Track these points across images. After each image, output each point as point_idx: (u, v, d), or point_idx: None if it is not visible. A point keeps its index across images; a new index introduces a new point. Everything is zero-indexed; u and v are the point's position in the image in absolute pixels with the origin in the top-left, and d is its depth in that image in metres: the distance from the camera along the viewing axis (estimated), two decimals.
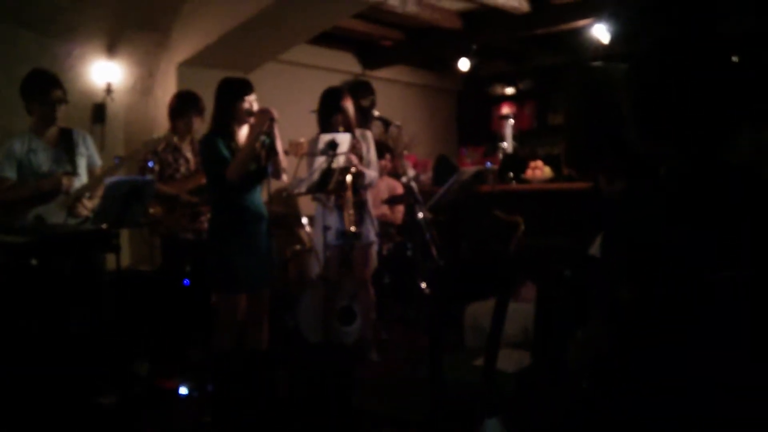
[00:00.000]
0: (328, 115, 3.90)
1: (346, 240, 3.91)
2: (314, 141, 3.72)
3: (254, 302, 3.26)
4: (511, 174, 5.78)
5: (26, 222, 3.34)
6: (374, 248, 4.18)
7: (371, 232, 4.07)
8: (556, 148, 6.97)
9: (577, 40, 6.11)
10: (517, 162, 5.96)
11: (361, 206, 4.02)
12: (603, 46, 5.79)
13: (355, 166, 3.81)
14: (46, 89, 3.43)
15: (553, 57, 7.06)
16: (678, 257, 1.61)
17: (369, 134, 4.11)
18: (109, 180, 3.17)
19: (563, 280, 2.36)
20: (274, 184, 3.25)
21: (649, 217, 1.74)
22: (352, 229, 3.82)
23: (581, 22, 5.61)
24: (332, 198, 3.91)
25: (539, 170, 5.62)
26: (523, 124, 7.57)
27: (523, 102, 7.83)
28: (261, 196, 3.31)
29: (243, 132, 3.23)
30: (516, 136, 6.61)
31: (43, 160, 3.46)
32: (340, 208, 3.92)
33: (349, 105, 3.94)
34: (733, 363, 1.44)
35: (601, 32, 5.59)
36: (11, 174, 3.41)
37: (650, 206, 1.77)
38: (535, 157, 6.28)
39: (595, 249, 2.36)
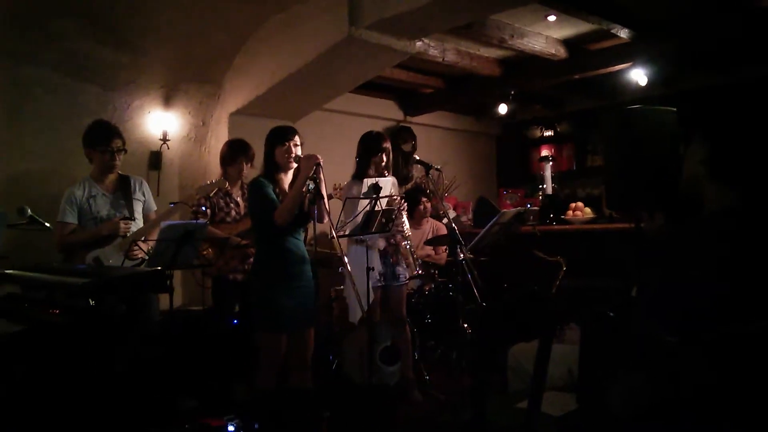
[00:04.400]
0: (367, 157, 4.02)
1: (387, 281, 4.01)
2: (350, 185, 3.85)
3: (298, 342, 3.31)
4: (552, 215, 5.79)
5: (86, 264, 3.48)
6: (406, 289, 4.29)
7: (406, 272, 4.18)
8: (596, 190, 6.96)
9: (615, 84, 6.15)
10: (557, 203, 5.97)
11: (396, 247, 4.14)
12: (640, 89, 5.83)
13: (400, 210, 3.93)
14: (106, 139, 3.61)
15: (590, 100, 7.10)
16: (733, 300, 1.60)
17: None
18: (165, 224, 3.28)
19: (607, 322, 2.36)
20: (319, 227, 3.34)
21: (701, 257, 1.74)
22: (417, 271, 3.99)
23: (618, 67, 5.65)
24: (380, 241, 4.00)
25: (580, 211, 5.62)
26: (562, 166, 7.59)
27: (561, 144, 7.85)
28: (302, 239, 3.41)
29: (288, 178, 3.36)
30: (555, 178, 6.62)
31: (102, 205, 3.61)
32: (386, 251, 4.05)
33: (388, 148, 4.07)
34: None
35: (638, 76, 5.64)
36: (73, 219, 3.57)
37: (701, 245, 1.78)
38: (575, 199, 6.29)
39: (638, 290, 2.37)
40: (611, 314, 2.32)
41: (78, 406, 2.98)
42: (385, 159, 4.01)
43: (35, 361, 2.77)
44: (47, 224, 3.55)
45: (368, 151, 4.02)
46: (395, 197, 3.97)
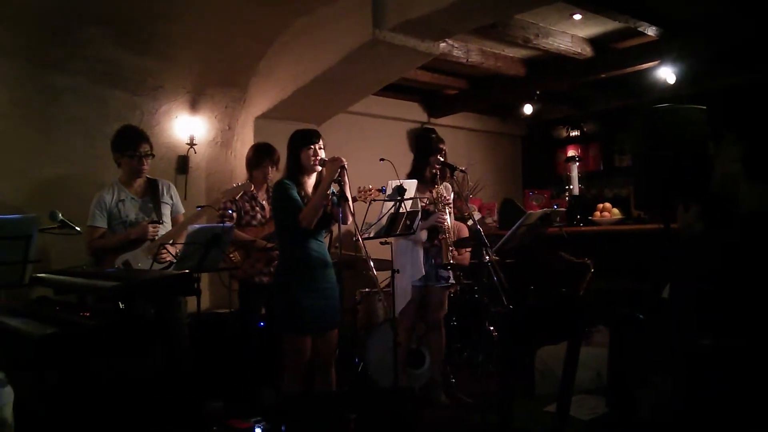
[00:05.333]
0: (425, 157, 4.03)
1: (428, 281, 3.99)
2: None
3: (322, 344, 3.31)
4: (579, 216, 5.72)
5: (115, 267, 3.53)
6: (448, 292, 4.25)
7: (451, 275, 4.13)
8: (624, 190, 6.86)
9: (642, 82, 6.06)
10: (584, 204, 5.90)
11: (439, 249, 4.11)
12: (668, 87, 5.73)
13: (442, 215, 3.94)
14: (134, 143, 3.65)
15: (617, 100, 7.00)
16: None
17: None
18: (192, 227, 3.31)
19: (637, 324, 2.32)
20: (343, 229, 3.34)
21: (743, 259, 1.70)
22: (451, 261, 3.93)
23: (645, 65, 5.57)
24: (422, 233, 3.98)
25: (608, 212, 5.55)
26: (589, 166, 7.49)
27: (588, 144, 7.75)
28: (325, 242, 3.40)
29: (311, 180, 3.37)
30: (582, 179, 6.54)
31: (130, 209, 3.66)
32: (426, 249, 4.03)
33: (445, 148, 4.08)
34: None
35: (666, 74, 5.54)
36: (102, 223, 3.63)
37: (743, 247, 1.74)
38: (602, 199, 6.20)
39: (668, 292, 2.33)
40: (641, 316, 2.28)
41: (108, 407, 3.03)
42: (440, 160, 4.02)
43: (67, 363, 2.82)
44: (78, 228, 3.60)
45: (426, 151, 4.04)
46: (444, 196, 3.99)
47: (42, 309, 2.92)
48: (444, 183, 4.12)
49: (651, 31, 5.03)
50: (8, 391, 2.77)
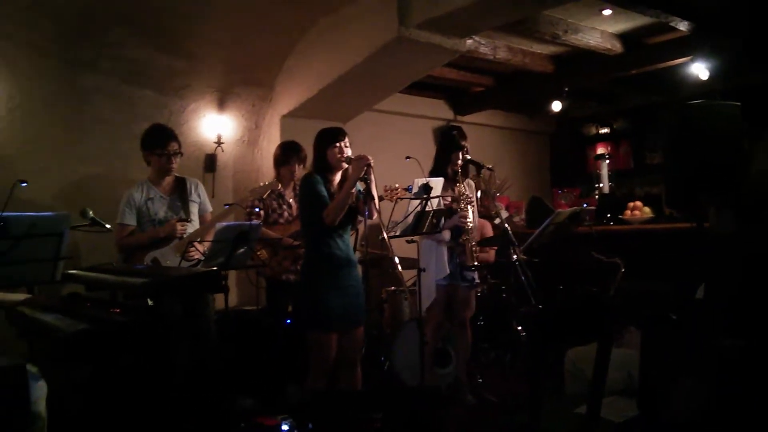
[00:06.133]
0: (447, 154, 4.01)
1: (453, 280, 3.97)
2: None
3: (347, 342, 3.30)
4: (609, 215, 5.63)
5: (144, 264, 3.56)
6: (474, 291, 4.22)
7: (476, 275, 4.11)
8: (655, 188, 6.74)
9: (674, 78, 5.94)
10: (614, 203, 5.81)
11: (464, 247, 4.08)
12: (701, 83, 5.61)
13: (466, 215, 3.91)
14: (163, 142, 3.69)
15: (647, 96, 6.88)
16: None
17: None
18: (220, 225, 3.34)
19: (670, 325, 2.27)
20: (369, 225, 3.33)
21: None
22: (475, 263, 3.89)
23: (677, 61, 5.46)
24: (445, 232, 3.96)
25: (638, 211, 5.45)
26: (619, 164, 7.39)
27: (618, 142, 7.65)
28: (350, 241, 3.40)
29: (337, 178, 3.37)
30: (612, 177, 6.44)
31: (159, 207, 3.70)
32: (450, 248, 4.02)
33: (467, 145, 4.06)
34: None
35: (699, 70, 5.42)
36: (131, 221, 3.67)
37: None
38: (633, 198, 6.10)
39: (702, 293, 2.27)
40: (674, 317, 2.23)
41: (138, 403, 3.06)
42: (461, 157, 3.99)
43: (98, 358, 2.86)
44: (108, 226, 3.66)
45: (448, 148, 4.02)
46: (466, 195, 3.96)
47: (74, 305, 2.96)
48: (466, 180, 4.08)
49: (683, 26, 4.93)
50: (41, 385, 2.82)
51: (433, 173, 3.96)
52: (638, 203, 5.69)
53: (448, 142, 4.07)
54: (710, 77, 5.48)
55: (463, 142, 4.03)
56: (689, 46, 5.21)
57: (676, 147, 3.06)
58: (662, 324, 2.22)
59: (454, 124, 6.98)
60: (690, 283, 2.50)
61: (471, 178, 4.59)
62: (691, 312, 2.27)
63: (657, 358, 2.20)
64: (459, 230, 3.99)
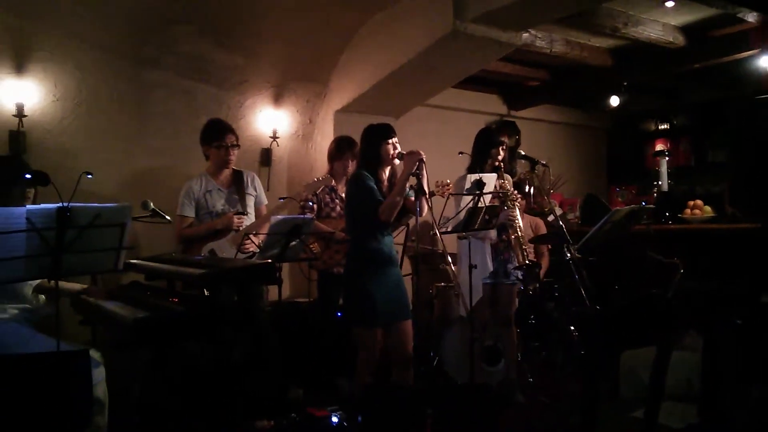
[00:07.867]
0: (486, 151, 3.97)
1: (496, 278, 3.93)
2: (461, 180, 3.80)
3: (395, 336, 3.31)
4: (668, 214, 5.46)
5: (201, 255, 3.67)
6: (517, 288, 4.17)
7: (518, 272, 4.06)
8: (716, 186, 6.50)
9: (739, 73, 5.70)
10: (674, 201, 5.62)
11: (508, 244, 4.04)
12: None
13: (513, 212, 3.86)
14: (221, 134, 3.79)
15: (711, 91, 6.63)
16: None
17: None
18: (275, 218, 3.38)
19: (734, 330, 2.19)
20: (420, 221, 3.33)
21: None
22: (527, 261, 3.86)
23: (744, 54, 5.24)
24: (491, 231, 3.93)
25: (699, 210, 5.26)
26: (679, 161, 7.15)
27: (678, 138, 7.40)
28: (392, 238, 3.41)
29: (386, 174, 3.37)
30: (671, 174, 6.24)
31: (217, 200, 3.80)
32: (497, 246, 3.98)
33: (506, 142, 4.01)
34: None
35: (767, 63, 5.18)
36: (190, 213, 3.78)
37: None
38: (693, 196, 5.88)
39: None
40: (738, 322, 2.15)
41: (195, 390, 3.15)
42: (501, 153, 3.94)
43: (158, 346, 2.95)
44: (168, 217, 3.77)
45: (486, 145, 3.97)
46: (510, 191, 3.92)
47: (134, 293, 3.07)
48: (506, 176, 4.02)
49: (751, 18, 4.73)
50: (101, 371, 2.94)
51: (471, 170, 3.92)
52: (698, 202, 5.49)
53: (485, 138, 4.01)
54: None
55: (501, 138, 3.97)
56: (757, 39, 4.99)
57: (743, 143, 2.95)
58: (726, 328, 2.14)
59: (508, 119, 6.89)
60: (755, 286, 2.41)
61: (524, 174, 4.52)
62: (756, 317, 2.18)
63: (721, 363, 2.12)
64: (503, 227, 3.95)
